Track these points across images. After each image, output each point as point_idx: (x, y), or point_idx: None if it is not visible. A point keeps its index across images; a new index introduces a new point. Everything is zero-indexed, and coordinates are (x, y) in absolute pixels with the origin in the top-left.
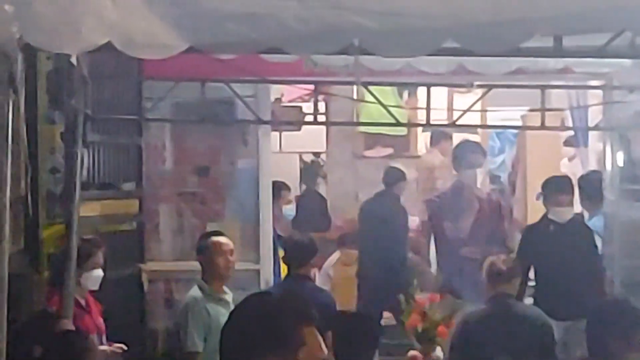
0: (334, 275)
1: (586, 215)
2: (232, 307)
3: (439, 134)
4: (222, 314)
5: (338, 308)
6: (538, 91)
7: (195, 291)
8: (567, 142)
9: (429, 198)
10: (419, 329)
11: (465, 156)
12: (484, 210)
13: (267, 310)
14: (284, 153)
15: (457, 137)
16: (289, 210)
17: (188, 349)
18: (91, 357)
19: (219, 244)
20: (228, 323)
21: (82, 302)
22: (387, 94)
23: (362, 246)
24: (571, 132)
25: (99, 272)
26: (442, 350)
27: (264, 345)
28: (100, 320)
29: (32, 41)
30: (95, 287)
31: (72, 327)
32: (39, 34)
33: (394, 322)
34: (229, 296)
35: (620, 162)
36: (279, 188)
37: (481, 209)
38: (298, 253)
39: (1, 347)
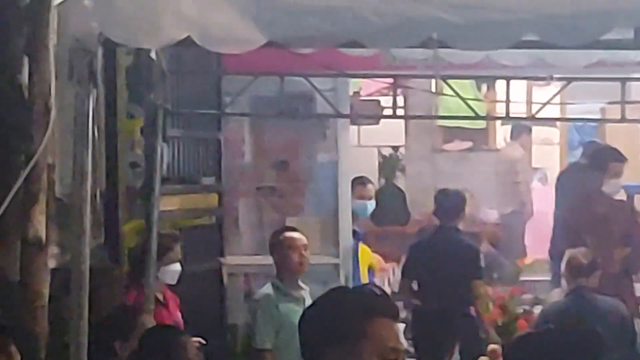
0: None
1: None
2: (307, 302)
3: (519, 128)
4: (294, 311)
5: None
6: (618, 84)
7: (267, 288)
8: None
9: None
10: (499, 323)
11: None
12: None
13: (330, 304)
14: (362, 147)
15: (536, 131)
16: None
17: (258, 346)
18: (187, 354)
19: (292, 239)
20: (302, 318)
21: (160, 296)
22: (465, 87)
23: None
24: None
25: (176, 267)
26: None
27: (325, 340)
28: (178, 315)
29: (113, 36)
30: (173, 282)
31: (153, 322)
32: (119, 29)
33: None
34: (304, 292)
35: None
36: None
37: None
38: (449, 206)
39: (82, 342)
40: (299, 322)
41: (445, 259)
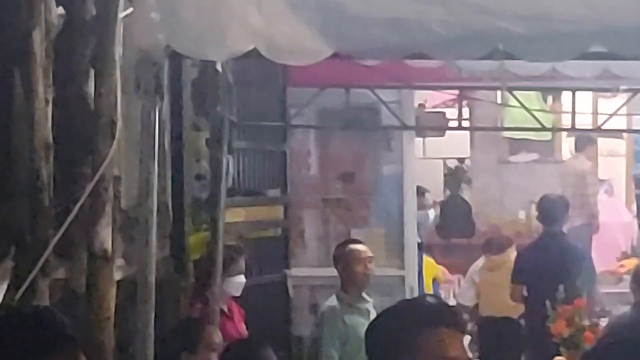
0: (479, 280)
1: None
2: (372, 314)
3: (585, 139)
4: (359, 323)
5: (484, 314)
6: None
7: (332, 301)
8: None
9: None
10: (565, 335)
11: None
12: None
13: (394, 317)
14: (428, 159)
15: (602, 142)
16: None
17: (324, 359)
18: None
19: (357, 251)
20: (367, 330)
21: (225, 308)
22: (531, 98)
23: None
24: None
25: (241, 279)
26: None
27: (388, 353)
28: (243, 327)
29: (178, 48)
30: (238, 294)
31: (219, 334)
32: (185, 41)
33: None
34: (369, 304)
35: None
36: None
37: None
38: (554, 211)
39: (149, 354)
40: (365, 335)
41: (554, 263)
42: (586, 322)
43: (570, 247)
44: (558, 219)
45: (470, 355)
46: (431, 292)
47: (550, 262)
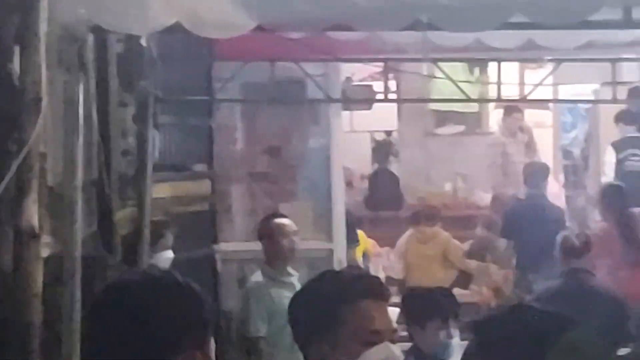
0: (407, 252)
1: None
2: (297, 288)
3: (511, 110)
4: (286, 297)
5: (412, 284)
6: (609, 65)
7: (257, 276)
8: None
9: None
10: (493, 305)
11: None
12: None
13: (316, 289)
14: (355, 132)
15: (529, 113)
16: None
17: (251, 334)
18: None
19: (282, 225)
20: (290, 304)
21: None
22: (457, 70)
23: None
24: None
25: (168, 254)
26: None
27: (312, 325)
28: None
29: (101, 23)
30: (166, 269)
31: None
32: (107, 15)
33: (470, 299)
34: (294, 278)
35: None
36: None
37: None
38: (537, 175)
39: (76, 330)
40: (289, 307)
41: (538, 220)
42: (513, 293)
43: (551, 206)
44: (540, 182)
45: (396, 326)
46: (361, 265)
47: (535, 219)
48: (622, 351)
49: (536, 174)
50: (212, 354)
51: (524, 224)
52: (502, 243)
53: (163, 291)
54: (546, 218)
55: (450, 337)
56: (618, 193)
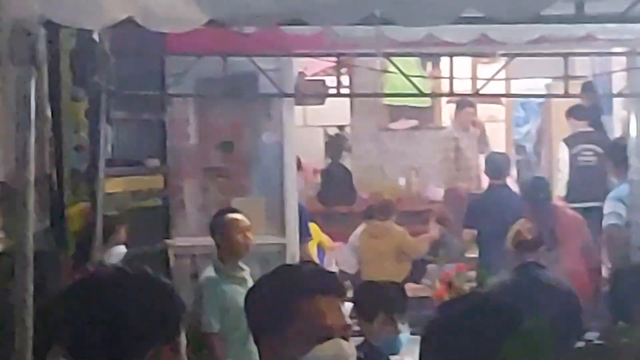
0: (360, 247)
1: (614, 182)
2: (249, 283)
3: (463, 104)
4: (238, 292)
5: (365, 279)
6: (561, 60)
7: (210, 271)
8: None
9: None
10: (446, 299)
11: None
12: None
13: (270, 285)
14: (308, 127)
15: (482, 108)
16: None
17: (205, 330)
18: None
19: (235, 220)
20: (246, 299)
21: None
22: (410, 65)
23: None
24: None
25: (121, 249)
26: None
27: (266, 321)
28: None
29: (53, 17)
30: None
31: None
32: (59, 9)
33: (425, 293)
34: (246, 272)
35: None
36: None
37: None
38: (499, 166)
39: (29, 327)
40: (245, 302)
41: (500, 210)
42: (466, 287)
43: (513, 195)
44: (502, 172)
45: (349, 322)
46: (316, 258)
47: (497, 209)
48: (579, 344)
49: (498, 163)
50: (183, 349)
51: (486, 213)
52: (465, 233)
53: (134, 286)
54: (509, 208)
55: (397, 332)
56: (539, 186)
